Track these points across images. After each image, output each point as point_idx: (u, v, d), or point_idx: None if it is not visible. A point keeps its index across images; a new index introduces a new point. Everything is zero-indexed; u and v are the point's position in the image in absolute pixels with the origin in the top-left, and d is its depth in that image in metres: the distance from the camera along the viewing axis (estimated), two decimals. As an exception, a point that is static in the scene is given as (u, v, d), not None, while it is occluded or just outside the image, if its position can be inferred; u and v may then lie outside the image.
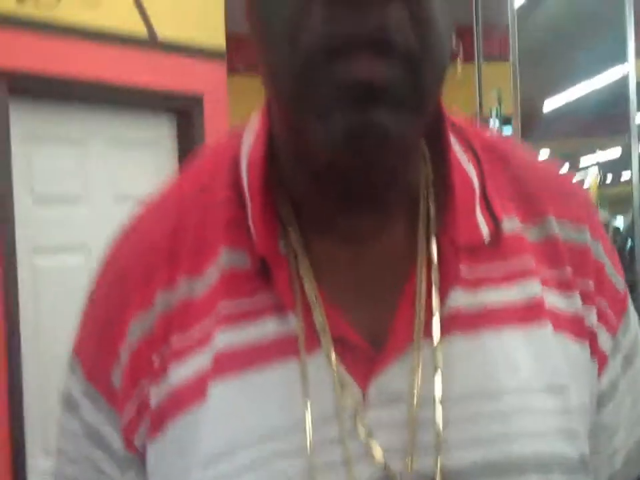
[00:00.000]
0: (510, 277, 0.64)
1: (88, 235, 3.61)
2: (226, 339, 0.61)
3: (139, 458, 0.64)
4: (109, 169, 3.75)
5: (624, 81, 3.79)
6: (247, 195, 0.64)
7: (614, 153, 20.21)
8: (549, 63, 9.89)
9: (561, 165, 24.86)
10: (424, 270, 0.62)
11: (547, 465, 0.60)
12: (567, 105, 13.49)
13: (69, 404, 0.69)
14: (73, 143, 3.65)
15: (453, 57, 0.67)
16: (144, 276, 0.65)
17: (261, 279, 0.62)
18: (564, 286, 0.66)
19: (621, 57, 3.83)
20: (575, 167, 24.90)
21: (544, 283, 0.65)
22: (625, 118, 3.83)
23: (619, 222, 16.23)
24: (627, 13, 3.72)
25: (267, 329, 0.62)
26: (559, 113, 13.80)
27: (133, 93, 3.77)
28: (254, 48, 0.59)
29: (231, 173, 0.66)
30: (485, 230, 0.64)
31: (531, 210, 0.67)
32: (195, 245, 0.65)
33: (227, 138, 0.71)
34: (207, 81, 4.13)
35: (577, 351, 0.65)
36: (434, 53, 0.54)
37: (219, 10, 4.27)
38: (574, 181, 0.75)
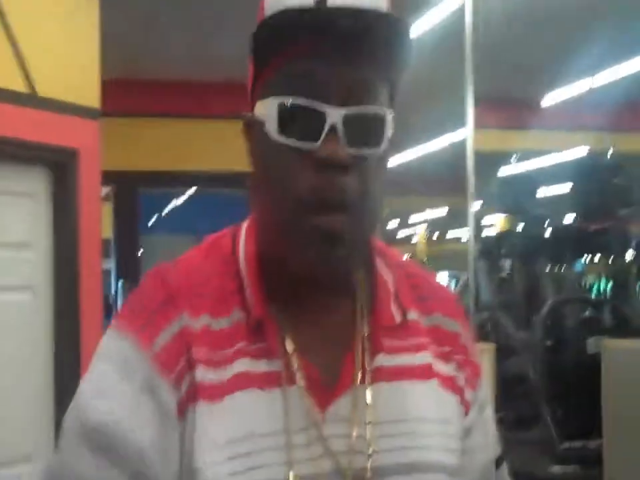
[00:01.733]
0: (413, 349, 1.01)
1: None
2: (241, 366, 0.92)
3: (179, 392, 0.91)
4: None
5: (457, 146, 4.13)
6: (245, 278, 0.98)
7: (441, 212, 21.37)
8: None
9: (391, 221, 25.68)
10: (360, 340, 0.99)
11: (439, 469, 0.97)
12: (401, 165, 14.24)
13: (110, 359, 0.93)
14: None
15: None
16: (186, 295, 0.95)
17: (256, 333, 0.94)
18: (445, 358, 1.04)
19: (459, 123, 4.12)
20: (404, 224, 26.02)
21: (433, 354, 1.03)
22: (456, 180, 4.17)
23: (442, 277, 17.13)
24: (467, 81, 4.10)
25: (261, 366, 0.93)
26: (393, 172, 14.58)
27: (10, 145, 3.93)
28: (253, 183, 0.94)
29: (231, 260, 0.99)
30: (397, 316, 1.01)
31: (425, 307, 1.06)
32: (215, 296, 0.96)
33: (220, 235, 1.04)
34: (82, 136, 4.35)
35: (453, 399, 1.02)
36: (371, 207, 0.92)
37: (95, 70, 4.53)
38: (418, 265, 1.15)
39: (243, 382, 0.92)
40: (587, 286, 10.09)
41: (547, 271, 7.21)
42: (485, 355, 4.12)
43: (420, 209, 22.02)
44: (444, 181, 10.37)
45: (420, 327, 1.03)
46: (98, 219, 4.51)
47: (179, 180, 9.55)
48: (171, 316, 0.93)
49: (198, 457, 0.89)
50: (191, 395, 0.91)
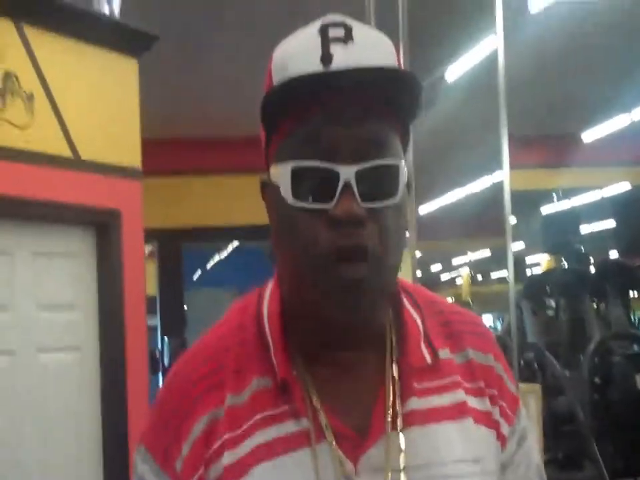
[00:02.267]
0: (445, 389, 1.01)
1: (14, 340, 3.87)
2: (261, 436, 0.92)
3: None
4: (34, 279, 4.00)
5: (495, 187, 4.12)
6: (269, 338, 0.99)
7: (484, 253, 21.21)
8: (425, 172, 10.49)
9: (434, 264, 25.52)
10: (390, 385, 0.99)
11: None
12: (441, 209, 14.22)
13: None
14: (0, 254, 3.89)
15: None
16: (205, 392, 0.98)
17: (282, 395, 0.93)
18: (479, 393, 1.03)
19: (495, 166, 4.12)
20: (448, 266, 25.85)
21: (466, 391, 1.02)
22: (497, 221, 4.15)
23: (487, 318, 16.95)
24: (502, 128, 4.10)
25: (288, 428, 0.92)
26: (432, 216, 14.52)
27: (55, 208, 4.05)
28: (277, 253, 0.97)
29: (255, 321, 1.02)
30: (427, 357, 1.01)
31: (456, 344, 1.05)
32: (236, 372, 0.99)
33: (248, 297, 1.07)
34: (124, 196, 4.45)
35: (489, 435, 1.02)
36: (391, 255, 0.94)
37: (135, 130, 4.64)
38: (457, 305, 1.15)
39: (266, 451, 0.92)
40: (636, 322, 9.94)
41: (594, 308, 7.12)
42: (531, 396, 4.07)
43: (462, 252, 21.89)
44: (485, 222, 10.32)
45: (452, 364, 1.03)
46: (142, 277, 4.58)
47: (221, 235, 9.67)
48: (192, 423, 0.95)
49: None
50: None
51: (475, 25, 6.21)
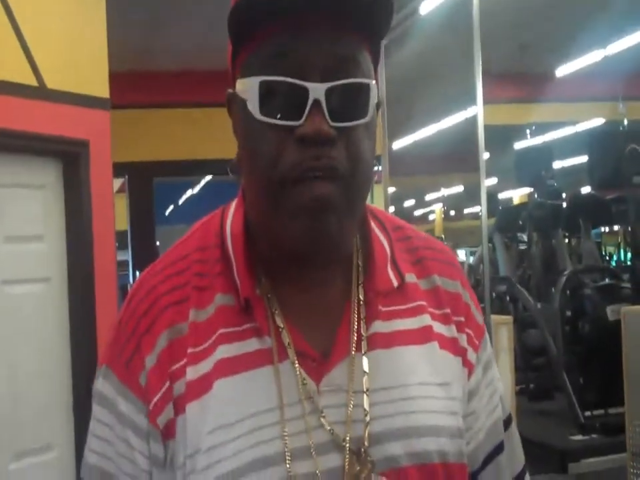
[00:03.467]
0: (411, 313, 1.00)
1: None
2: (223, 351, 0.92)
3: (159, 432, 0.91)
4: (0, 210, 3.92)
5: (469, 123, 4.11)
6: (232, 257, 0.97)
7: (457, 189, 21.31)
8: (397, 107, 10.42)
9: (407, 200, 25.65)
10: (355, 307, 0.98)
11: (438, 432, 0.96)
12: (414, 144, 14.18)
13: (104, 401, 0.96)
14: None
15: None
16: (168, 306, 0.96)
17: (245, 314, 0.94)
18: (445, 320, 1.02)
19: (470, 101, 4.10)
20: (421, 202, 25.98)
21: (432, 317, 1.01)
22: (470, 157, 4.15)
23: (461, 254, 17.12)
24: (476, 63, 4.07)
25: (251, 346, 0.92)
26: (405, 151, 14.49)
27: (21, 138, 3.95)
28: (240, 158, 0.94)
29: (217, 239, 1.00)
30: (394, 280, 1.00)
31: (423, 269, 1.04)
32: (199, 289, 0.97)
33: (211, 216, 1.05)
34: (92, 127, 4.36)
35: (454, 361, 1.00)
36: (361, 176, 0.91)
37: (103, 61, 4.53)
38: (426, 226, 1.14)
39: (228, 367, 0.91)
40: (607, 256, 10.05)
41: (565, 241, 7.17)
42: (503, 328, 4.10)
43: (436, 188, 21.97)
44: (459, 158, 10.32)
45: (419, 289, 1.02)
46: (111, 208, 4.52)
47: (193, 168, 9.58)
48: (156, 336, 0.94)
49: (193, 447, 0.89)
50: (179, 407, 0.91)
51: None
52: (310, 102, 0.86)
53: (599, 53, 10.33)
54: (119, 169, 8.84)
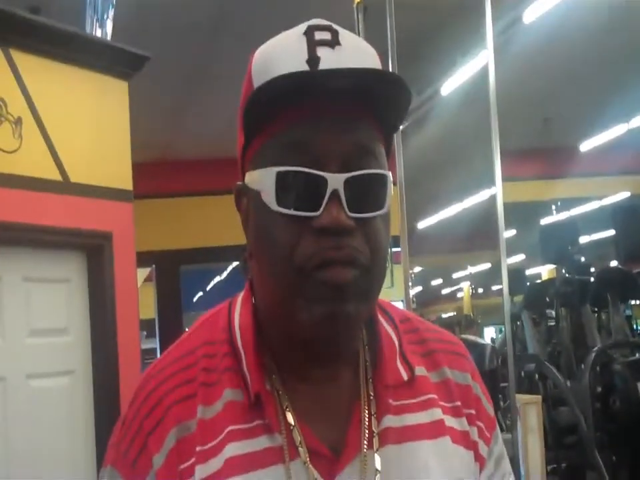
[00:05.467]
0: (421, 406, 0.98)
1: (4, 366, 3.81)
2: (233, 449, 0.89)
3: None
4: (24, 304, 3.95)
5: (491, 201, 4.10)
6: (241, 350, 0.95)
7: (484, 267, 21.23)
8: (422, 187, 10.48)
9: (435, 279, 25.48)
10: (365, 402, 0.96)
11: None
12: (439, 224, 14.21)
13: None
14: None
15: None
16: (174, 404, 0.94)
17: (254, 409, 0.91)
18: (456, 413, 1.00)
19: (489, 181, 4.10)
20: (448, 281, 25.86)
21: (443, 411, 0.99)
22: (493, 235, 4.12)
23: (490, 332, 16.92)
24: (494, 142, 4.08)
25: (261, 443, 0.89)
26: (431, 231, 14.51)
27: (45, 233, 4.00)
28: (253, 258, 0.93)
29: (226, 333, 0.98)
30: (404, 374, 0.98)
31: (432, 362, 1.02)
32: (206, 385, 0.94)
33: (217, 309, 1.03)
34: (115, 218, 4.41)
35: (467, 456, 0.99)
36: (378, 266, 0.90)
37: (126, 153, 4.61)
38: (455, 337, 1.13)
39: (238, 466, 0.88)
40: (638, 330, 9.88)
41: (595, 317, 7.08)
42: (532, 407, 4.03)
43: (463, 266, 21.88)
44: (483, 236, 10.31)
45: (429, 383, 1.00)
46: (135, 299, 4.53)
47: (218, 255, 9.64)
48: (164, 435, 0.92)
49: None
50: None
51: (467, 40, 6.20)
52: (328, 192, 0.85)
53: (622, 126, 10.38)
54: (146, 258, 8.96)
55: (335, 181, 0.85)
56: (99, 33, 5.75)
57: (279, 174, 0.86)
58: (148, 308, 9.90)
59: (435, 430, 0.96)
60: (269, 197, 0.87)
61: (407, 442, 0.94)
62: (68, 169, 4.19)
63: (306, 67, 0.86)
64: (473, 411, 1.02)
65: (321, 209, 0.85)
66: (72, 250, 4.22)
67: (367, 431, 0.92)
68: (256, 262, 0.93)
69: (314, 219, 0.85)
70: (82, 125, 4.35)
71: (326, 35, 0.88)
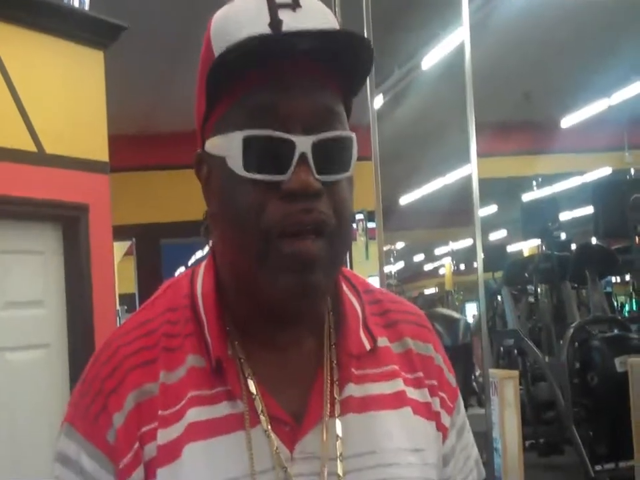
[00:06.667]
0: (384, 377, 0.97)
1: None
2: (195, 415, 0.88)
3: None
4: (0, 276, 3.91)
5: (469, 178, 4.09)
6: (203, 316, 0.94)
7: (466, 243, 21.32)
8: (404, 162, 10.48)
9: (417, 254, 25.60)
10: (328, 370, 0.95)
11: None
12: (421, 199, 14.23)
13: (66, 461, 0.93)
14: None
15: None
16: (137, 366, 0.93)
17: (217, 376, 0.90)
18: (418, 384, 1.00)
19: (466, 157, 4.06)
20: (430, 257, 25.97)
21: (405, 382, 0.98)
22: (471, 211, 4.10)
23: (472, 308, 17.02)
24: (469, 119, 4.06)
25: (222, 410, 0.89)
26: (414, 207, 14.54)
27: (21, 205, 3.97)
28: (215, 223, 0.92)
29: (188, 299, 0.97)
30: (366, 344, 0.97)
31: (395, 333, 1.02)
32: (168, 350, 0.93)
33: (180, 277, 1.02)
34: (92, 191, 4.38)
35: (428, 426, 0.98)
36: (345, 232, 0.89)
37: (102, 125, 4.57)
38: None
39: (199, 431, 0.88)
40: (619, 306, 9.96)
41: (574, 293, 7.12)
42: (508, 382, 4.04)
43: (444, 242, 21.98)
44: (465, 211, 10.36)
45: (391, 353, 0.99)
46: (111, 271, 4.52)
47: (200, 229, 9.60)
48: (124, 394, 0.91)
49: None
50: (150, 471, 0.88)
51: (447, 14, 6.17)
52: (296, 156, 0.84)
53: (603, 102, 10.40)
54: (126, 231, 8.92)
55: (303, 144, 0.84)
56: (75, 2, 5.67)
57: (245, 138, 0.85)
58: (128, 282, 9.87)
59: (396, 400, 0.96)
60: (235, 162, 0.85)
61: (369, 411, 0.94)
62: (43, 140, 4.15)
63: (268, 30, 0.85)
64: (435, 382, 1.01)
65: (289, 172, 0.84)
66: (47, 222, 4.19)
67: (328, 398, 0.92)
68: (220, 229, 0.91)
69: (282, 182, 0.84)
70: (57, 95, 4.31)
71: None
